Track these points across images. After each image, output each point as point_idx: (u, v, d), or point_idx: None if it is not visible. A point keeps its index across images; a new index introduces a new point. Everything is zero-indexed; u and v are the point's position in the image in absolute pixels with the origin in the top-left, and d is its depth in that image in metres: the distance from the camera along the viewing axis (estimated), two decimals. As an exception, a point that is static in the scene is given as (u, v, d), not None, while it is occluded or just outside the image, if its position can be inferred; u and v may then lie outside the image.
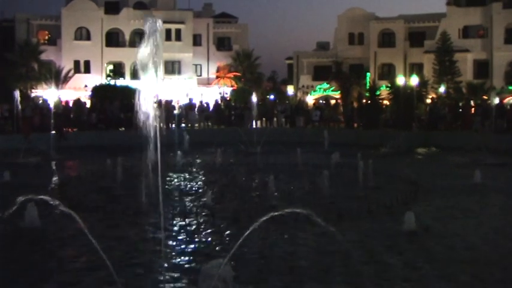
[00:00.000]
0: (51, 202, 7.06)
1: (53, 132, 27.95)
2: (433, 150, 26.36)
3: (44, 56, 53.27)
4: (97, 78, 52.96)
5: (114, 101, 33.77)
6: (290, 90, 64.54)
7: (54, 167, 20.89)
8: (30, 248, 9.31)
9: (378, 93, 35.81)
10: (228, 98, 45.02)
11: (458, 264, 8.41)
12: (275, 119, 36.52)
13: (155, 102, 6.44)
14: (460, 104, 34.57)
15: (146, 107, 6.28)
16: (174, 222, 11.15)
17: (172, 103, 36.58)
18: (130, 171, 16.62)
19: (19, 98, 25.94)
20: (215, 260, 6.98)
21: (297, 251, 9.00)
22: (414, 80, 34.81)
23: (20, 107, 26.93)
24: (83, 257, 8.53)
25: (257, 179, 16.97)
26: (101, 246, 6.61)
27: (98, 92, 39.85)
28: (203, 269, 6.96)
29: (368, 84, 42.78)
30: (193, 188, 15.75)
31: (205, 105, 37.40)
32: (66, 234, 9.98)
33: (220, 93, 52.23)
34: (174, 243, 9.58)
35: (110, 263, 6.43)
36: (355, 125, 34.40)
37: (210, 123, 35.73)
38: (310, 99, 53.53)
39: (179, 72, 56.99)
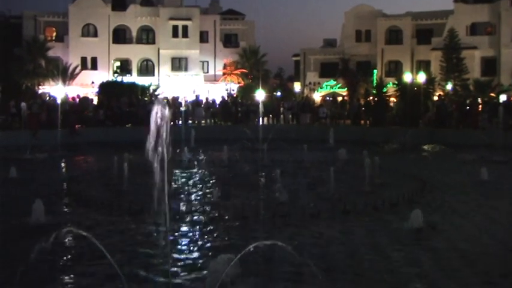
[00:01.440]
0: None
1: (62, 129, 28.08)
2: (439, 148, 26.26)
3: (51, 53, 53.54)
4: (104, 74, 53.09)
5: (121, 98, 33.84)
6: (297, 87, 64.48)
7: (61, 163, 20.96)
8: (35, 245, 9.31)
9: (384, 90, 35.77)
10: (234, 95, 45.00)
11: (465, 261, 8.38)
12: (282, 116, 36.52)
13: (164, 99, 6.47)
14: (467, 102, 34.44)
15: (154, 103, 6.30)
16: (181, 218, 11.14)
17: (179, 100, 36.68)
18: (136, 168, 16.64)
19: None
20: (222, 255, 7.00)
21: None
22: (421, 77, 34.74)
23: (26, 105, 27.11)
24: (88, 253, 8.53)
25: (264, 175, 16.96)
26: (105, 241, 6.61)
27: (105, 88, 39.88)
28: (211, 264, 6.97)
29: (375, 81, 42.79)
30: (200, 185, 15.75)
31: (211, 101, 37.42)
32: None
33: (226, 90, 52.21)
34: (180, 239, 9.59)
35: (114, 260, 6.44)
36: (362, 122, 34.37)
37: (216, 120, 35.75)
38: (317, 96, 53.52)
39: (186, 69, 57.04)
